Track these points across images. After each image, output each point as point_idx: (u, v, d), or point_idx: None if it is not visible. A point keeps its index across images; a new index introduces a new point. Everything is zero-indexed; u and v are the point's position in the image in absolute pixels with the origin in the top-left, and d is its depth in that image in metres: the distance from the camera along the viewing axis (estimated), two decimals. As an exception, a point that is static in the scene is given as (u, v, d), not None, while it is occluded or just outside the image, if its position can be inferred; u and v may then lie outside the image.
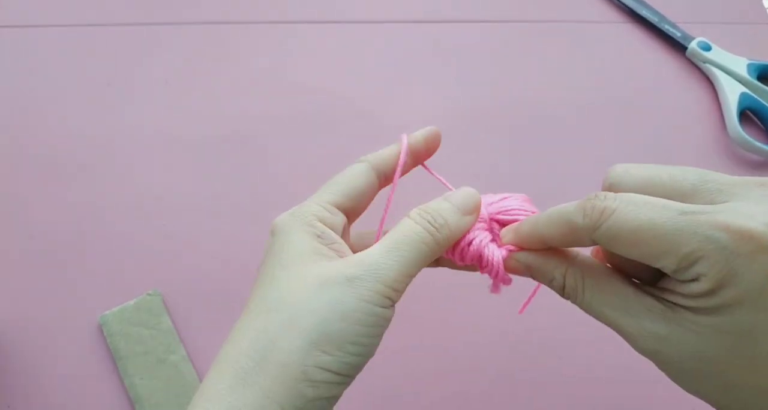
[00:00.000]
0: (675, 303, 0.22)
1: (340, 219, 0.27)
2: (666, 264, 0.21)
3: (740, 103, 0.50)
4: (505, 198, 0.31)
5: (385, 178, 0.29)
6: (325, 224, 0.26)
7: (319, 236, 0.25)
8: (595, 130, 0.50)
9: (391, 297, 0.24)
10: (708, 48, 0.53)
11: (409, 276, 0.24)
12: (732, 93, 0.51)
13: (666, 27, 0.55)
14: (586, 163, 0.49)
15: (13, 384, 0.39)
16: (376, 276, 0.23)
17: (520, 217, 0.28)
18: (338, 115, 0.50)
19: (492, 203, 0.30)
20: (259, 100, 0.50)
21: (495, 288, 0.29)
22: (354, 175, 0.28)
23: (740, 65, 0.52)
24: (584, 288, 0.24)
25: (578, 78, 0.53)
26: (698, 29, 0.55)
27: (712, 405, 0.23)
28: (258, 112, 0.49)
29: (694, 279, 0.21)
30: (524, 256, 0.26)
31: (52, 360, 0.40)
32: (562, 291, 0.25)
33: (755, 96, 0.51)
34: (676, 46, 0.55)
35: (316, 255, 0.25)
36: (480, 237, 0.27)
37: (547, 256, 0.26)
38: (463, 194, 0.27)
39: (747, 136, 0.49)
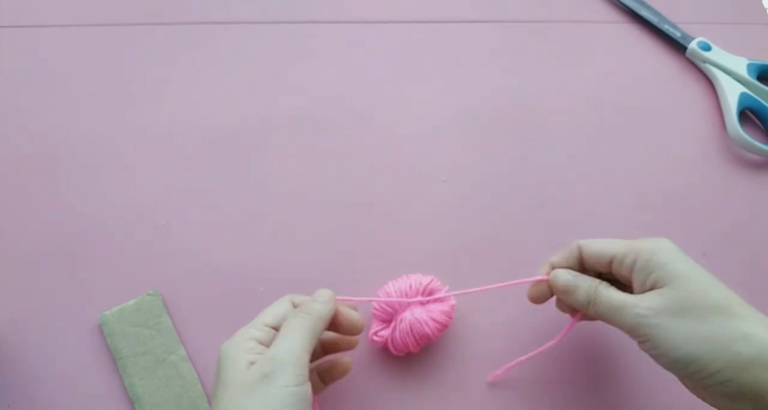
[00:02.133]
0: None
1: (272, 334, 0.33)
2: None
3: (740, 103, 0.50)
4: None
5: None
6: (258, 341, 0.33)
7: (250, 354, 0.32)
8: (595, 130, 0.50)
9: (302, 373, 0.31)
10: (708, 48, 0.53)
11: (307, 350, 0.32)
12: (732, 93, 0.51)
13: (666, 27, 0.55)
14: (586, 162, 0.49)
15: (14, 383, 0.39)
16: (282, 363, 0.30)
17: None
18: (339, 115, 0.50)
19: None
20: (259, 100, 0.50)
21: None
22: (277, 305, 0.36)
23: (740, 65, 0.52)
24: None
25: (578, 78, 0.53)
26: (698, 29, 0.55)
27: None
28: (258, 112, 0.49)
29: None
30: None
31: (52, 360, 0.40)
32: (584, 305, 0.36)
33: (755, 96, 0.51)
34: (676, 46, 0.55)
35: (248, 366, 0.31)
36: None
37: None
38: (323, 292, 0.36)
39: (747, 136, 0.49)
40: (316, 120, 0.49)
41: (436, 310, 0.39)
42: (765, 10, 0.58)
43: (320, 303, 0.35)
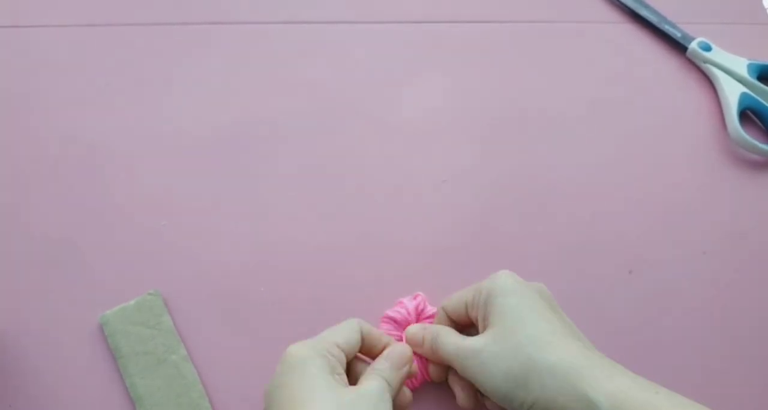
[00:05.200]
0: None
1: (344, 355, 0.33)
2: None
3: (740, 103, 0.51)
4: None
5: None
6: (334, 356, 0.32)
7: (332, 365, 0.31)
8: (595, 130, 0.50)
9: None
10: (708, 48, 0.53)
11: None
12: (732, 93, 0.51)
13: (666, 27, 0.55)
14: (586, 162, 0.49)
15: (15, 383, 0.39)
16: (368, 398, 0.30)
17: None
18: (339, 115, 0.50)
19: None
20: (259, 100, 0.50)
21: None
22: (347, 330, 0.34)
23: (740, 65, 0.52)
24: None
25: (578, 78, 0.53)
26: (698, 29, 0.55)
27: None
28: (259, 112, 0.49)
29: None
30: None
31: (52, 360, 0.40)
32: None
33: (755, 96, 0.51)
34: (677, 46, 0.55)
35: (332, 383, 0.30)
36: None
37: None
38: (402, 357, 0.35)
39: (747, 136, 0.49)
40: (316, 120, 0.49)
41: None
42: (765, 10, 0.58)
43: (397, 370, 0.34)
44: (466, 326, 0.38)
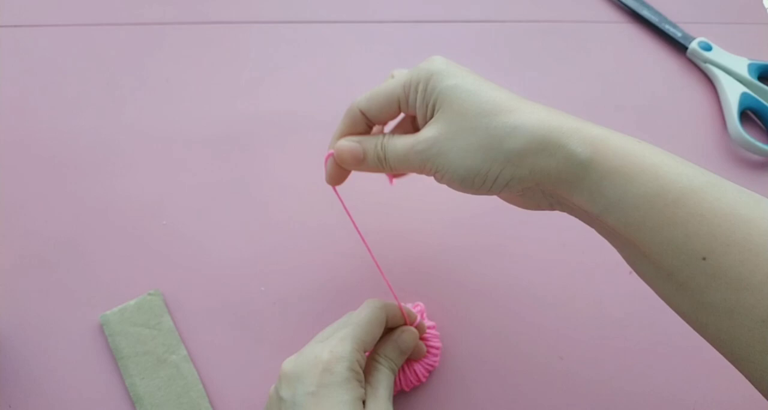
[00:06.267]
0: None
1: (363, 358, 0.33)
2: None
3: (741, 102, 0.51)
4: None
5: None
6: (360, 366, 0.32)
7: (359, 380, 0.31)
8: (596, 130, 0.50)
9: None
10: (708, 48, 0.53)
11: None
12: (732, 93, 0.51)
13: (666, 27, 0.55)
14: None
15: (14, 383, 0.39)
16: None
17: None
18: (338, 115, 0.49)
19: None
20: (260, 99, 0.50)
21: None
22: (376, 323, 0.34)
23: (741, 65, 0.52)
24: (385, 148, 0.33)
25: (578, 78, 0.53)
26: (699, 29, 0.55)
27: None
28: (259, 111, 0.49)
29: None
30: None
31: (53, 360, 0.40)
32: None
33: (756, 96, 0.51)
34: (677, 46, 0.55)
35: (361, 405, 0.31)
36: None
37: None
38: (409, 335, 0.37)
39: (747, 136, 0.49)
40: (316, 120, 0.49)
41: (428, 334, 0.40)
42: (765, 10, 0.58)
43: (403, 355, 0.36)
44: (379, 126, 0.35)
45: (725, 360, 0.27)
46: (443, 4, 0.55)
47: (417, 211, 0.46)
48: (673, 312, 0.29)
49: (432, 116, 0.31)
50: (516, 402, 0.40)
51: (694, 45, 0.53)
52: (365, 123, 0.34)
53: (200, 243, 0.44)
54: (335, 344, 0.32)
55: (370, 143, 0.33)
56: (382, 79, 0.51)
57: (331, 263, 0.44)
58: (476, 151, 0.29)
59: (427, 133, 0.30)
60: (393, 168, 0.32)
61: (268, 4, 0.54)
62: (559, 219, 0.47)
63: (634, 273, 0.44)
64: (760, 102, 0.51)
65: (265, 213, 0.45)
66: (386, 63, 0.52)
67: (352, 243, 0.45)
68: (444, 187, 0.32)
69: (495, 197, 0.33)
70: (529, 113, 0.29)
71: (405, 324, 0.37)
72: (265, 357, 0.40)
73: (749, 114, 0.52)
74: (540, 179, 0.28)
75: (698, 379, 0.41)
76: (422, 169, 0.31)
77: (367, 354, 0.35)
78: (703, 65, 0.53)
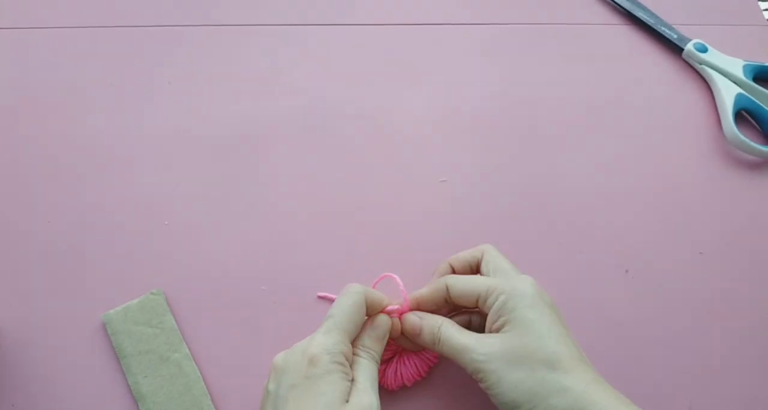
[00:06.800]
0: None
1: (350, 348, 0.34)
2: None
3: (736, 104, 0.51)
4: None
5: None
6: (346, 358, 0.33)
7: (345, 372, 0.32)
8: (593, 132, 0.51)
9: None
10: (704, 49, 0.54)
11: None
12: (728, 94, 0.51)
13: (662, 29, 0.55)
14: (583, 163, 0.49)
15: (17, 383, 0.39)
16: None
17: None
18: (338, 116, 0.50)
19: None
20: (260, 101, 0.50)
21: None
22: (357, 309, 0.35)
23: (736, 66, 0.53)
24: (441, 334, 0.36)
25: (575, 80, 0.53)
26: (694, 31, 0.55)
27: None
28: (260, 112, 0.50)
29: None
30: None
31: (55, 359, 0.40)
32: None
33: (751, 97, 0.52)
34: (673, 47, 0.55)
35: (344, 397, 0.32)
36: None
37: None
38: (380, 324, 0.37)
39: (743, 137, 0.49)
40: (316, 120, 0.50)
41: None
42: (761, 11, 0.59)
43: (381, 342, 0.36)
44: (455, 308, 0.39)
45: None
46: (443, 8, 0.56)
47: (418, 212, 0.47)
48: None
49: (499, 328, 0.35)
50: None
51: (689, 46, 0.54)
52: (444, 298, 0.38)
53: (202, 243, 0.44)
54: (320, 337, 0.33)
55: (428, 322, 0.37)
56: (383, 80, 0.52)
57: (331, 263, 0.44)
58: (525, 391, 0.32)
59: (488, 347, 0.34)
60: (442, 353, 0.36)
61: (270, 7, 0.55)
62: (559, 219, 0.48)
63: (631, 273, 0.45)
64: (755, 103, 0.52)
65: (266, 214, 0.46)
66: (387, 64, 0.53)
67: (352, 243, 0.45)
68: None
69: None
70: (581, 379, 0.33)
71: (382, 310, 0.38)
72: (265, 355, 0.41)
73: (744, 115, 0.53)
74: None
75: (693, 379, 0.42)
76: (471, 372, 0.35)
77: None
78: (698, 66, 0.54)
